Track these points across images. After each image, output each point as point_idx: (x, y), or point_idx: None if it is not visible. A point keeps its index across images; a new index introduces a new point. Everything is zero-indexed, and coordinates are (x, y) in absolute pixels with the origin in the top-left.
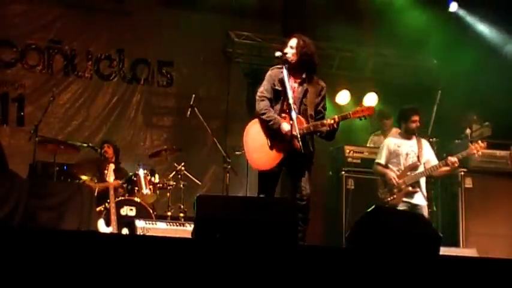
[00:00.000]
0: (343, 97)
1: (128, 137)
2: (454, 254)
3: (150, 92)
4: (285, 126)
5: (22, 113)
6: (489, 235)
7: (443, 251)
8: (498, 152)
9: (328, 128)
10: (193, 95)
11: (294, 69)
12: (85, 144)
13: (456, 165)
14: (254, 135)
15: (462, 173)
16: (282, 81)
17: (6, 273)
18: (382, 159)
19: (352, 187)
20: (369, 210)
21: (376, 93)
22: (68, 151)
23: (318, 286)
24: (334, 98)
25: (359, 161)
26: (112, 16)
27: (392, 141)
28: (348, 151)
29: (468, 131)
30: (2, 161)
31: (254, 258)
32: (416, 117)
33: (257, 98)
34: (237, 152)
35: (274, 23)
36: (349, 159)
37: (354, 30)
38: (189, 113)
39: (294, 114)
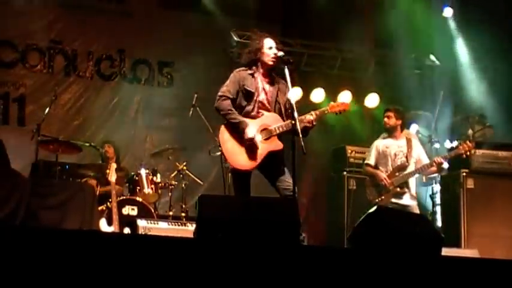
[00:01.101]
0: (345, 98)
1: (129, 137)
2: (456, 254)
3: (150, 92)
4: (249, 132)
5: (23, 113)
6: (491, 236)
7: (445, 251)
8: (500, 153)
9: (308, 124)
10: (196, 95)
11: (267, 70)
12: (87, 144)
13: (442, 165)
14: (232, 135)
15: (464, 173)
16: (254, 83)
17: (8, 273)
18: (371, 160)
19: (354, 187)
20: (370, 210)
21: (378, 93)
22: (69, 150)
23: (319, 286)
24: (336, 99)
25: (361, 161)
26: (113, 17)
27: (381, 142)
28: (349, 151)
29: (470, 131)
30: (4, 160)
31: (256, 258)
32: (386, 114)
33: (218, 96)
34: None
35: (274, 24)
36: (351, 160)
37: (355, 31)
38: (191, 112)
39: (295, 114)
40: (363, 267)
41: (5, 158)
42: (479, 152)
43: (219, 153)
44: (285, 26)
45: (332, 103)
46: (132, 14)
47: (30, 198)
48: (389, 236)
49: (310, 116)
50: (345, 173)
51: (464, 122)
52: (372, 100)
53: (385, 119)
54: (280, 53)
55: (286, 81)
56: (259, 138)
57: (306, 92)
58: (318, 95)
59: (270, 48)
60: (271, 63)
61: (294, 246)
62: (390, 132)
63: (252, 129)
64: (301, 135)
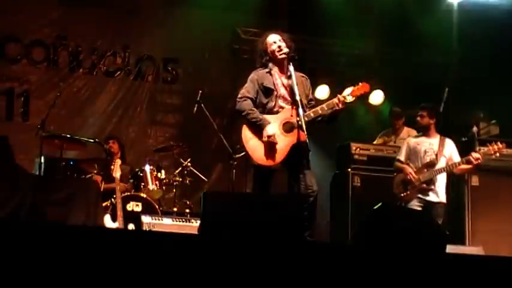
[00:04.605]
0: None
1: (133, 133)
2: (460, 252)
3: (155, 88)
4: (269, 130)
5: (27, 109)
6: (495, 233)
7: (450, 249)
8: (505, 150)
9: (337, 107)
10: (200, 91)
11: (281, 65)
12: (91, 140)
13: (480, 161)
14: (255, 133)
15: None
16: (272, 80)
17: (12, 268)
18: (401, 156)
19: (359, 184)
20: (375, 208)
21: (383, 90)
22: (74, 146)
23: (323, 283)
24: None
25: (365, 158)
26: (118, 13)
27: (413, 139)
28: (354, 148)
29: (475, 129)
30: (9, 156)
31: (260, 255)
32: (419, 113)
33: (238, 99)
34: (237, 155)
35: (281, 20)
36: (356, 157)
37: (361, 27)
38: (195, 109)
39: (301, 111)
40: (367, 264)
41: (10, 153)
42: (483, 149)
43: (243, 153)
44: (290, 22)
45: (352, 87)
46: (137, 10)
47: (34, 194)
48: (394, 233)
49: (336, 101)
50: (349, 169)
51: (470, 120)
52: (377, 97)
53: (418, 118)
54: (285, 50)
55: (291, 77)
56: (277, 133)
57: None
58: (322, 91)
59: (274, 43)
60: (280, 56)
61: (298, 243)
62: (423, 131)
63: (271, 127)
64: (306, 132)
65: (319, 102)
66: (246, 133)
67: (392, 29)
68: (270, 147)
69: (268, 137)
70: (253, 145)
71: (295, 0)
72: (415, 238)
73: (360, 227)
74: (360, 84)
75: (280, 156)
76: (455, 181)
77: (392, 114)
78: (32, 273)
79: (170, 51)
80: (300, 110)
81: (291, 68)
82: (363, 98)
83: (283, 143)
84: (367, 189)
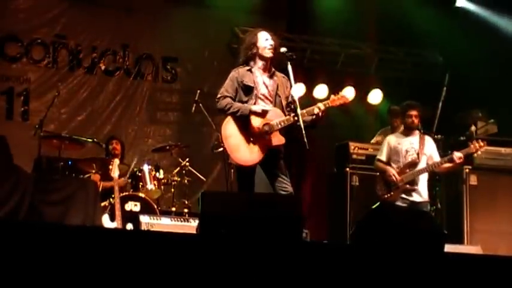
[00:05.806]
0: (348, 94)
1: (132, 132)
2: (459, 251)
3: (154, 87)
4: (256, 107)
5: (27, 108)
6: (494, 232)
7: (448, 248)
8: (503, 149)
9: (314, 117)
10: (198, 91)
11: (266, 63)
12: (90, 140)
13: (461, 160)
14: (234, 132)
15: (467, 170)
16: (252, 77)
17: (10, 268)
18: (382, 156)
19: (357, 184)
20: (373, 207)
21: (382, 90)
22: (72, 146)
23: (321, 282)
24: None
25: (363, 157)
26: (117, 11)
27: (394, 138)
28: (352, 147)
29: (473, 128)
30: (7, 156)
31: (258, 254)
32: (411, 112)
33: (217, 98)
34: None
35: (279, 20)
36: (354, 156)
37: (359, 27)
38: (194, 108)
39: (299, 110)
40: (365, 263)
41: (8, 153)
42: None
43: (221, 149)
44: (289, 22)
45: (333, 96)
46: (137, 9)
47: (33, 194)
48: (392, 232)
49: (317, 109)
50: (347, 169)
51: (468, 119)
52: (375, 96)
53: (413, 118)
54: (283, 49)
55: (289, 76)
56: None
57: (309, 88)
58: (321, 90)
59: (265, 40)
60: (269, 54)
61: (296, 242)
62: (410, 130)
63: (257, 105)
64: (304, 131)
65: (316, 101)
66: (226, 129)
67: (392, 29)
68: (249, 146)
69: (265, 111)
70: (231, 143)
71: (294, 0)
72: (414, 237)
73: (358, 226)
74: (340, 95)
75: (257, 157)
76: (453, 180)
77: (391, 112)
78: (31, 273)
79: (169, 50)
80: (298, 110)
81: (289, 67)
82: (362, 97)
83: (261, 144)
84: (366, 188)
